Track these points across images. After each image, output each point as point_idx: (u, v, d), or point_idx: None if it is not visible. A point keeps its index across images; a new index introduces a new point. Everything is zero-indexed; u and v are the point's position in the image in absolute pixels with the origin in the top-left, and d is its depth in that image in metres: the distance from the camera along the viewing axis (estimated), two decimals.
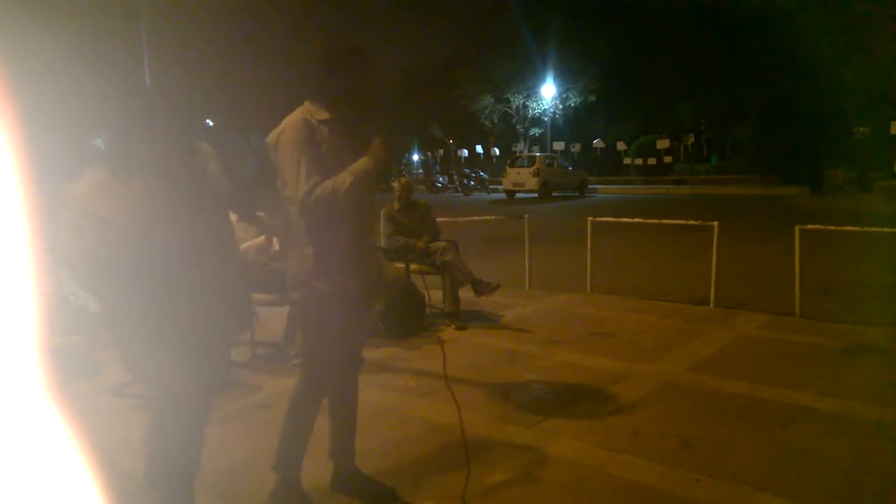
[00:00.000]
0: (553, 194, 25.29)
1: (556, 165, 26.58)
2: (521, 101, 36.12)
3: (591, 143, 33.95)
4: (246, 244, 4.69)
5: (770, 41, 24.86)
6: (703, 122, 33.38)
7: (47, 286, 4.41)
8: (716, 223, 6.21)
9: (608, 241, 9.29)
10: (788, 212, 15.16)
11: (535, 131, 37.07)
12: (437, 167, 37.69)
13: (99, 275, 2.13)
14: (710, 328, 5.33)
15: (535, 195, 24.68)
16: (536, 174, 24.70)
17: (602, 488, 2.80)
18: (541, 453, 3.13)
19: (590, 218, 7.00)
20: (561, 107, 35.62)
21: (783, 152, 25.54)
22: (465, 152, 37.17)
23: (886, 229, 5.81)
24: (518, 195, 25.30)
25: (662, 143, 30.25)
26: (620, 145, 33.04)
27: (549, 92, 35.00)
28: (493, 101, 36.56)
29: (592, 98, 34.88)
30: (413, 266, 5.72)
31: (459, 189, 29.49)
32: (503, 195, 26.05)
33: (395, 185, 6.02)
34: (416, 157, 45.81)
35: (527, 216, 7.39)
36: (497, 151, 37.34)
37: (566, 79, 34.65)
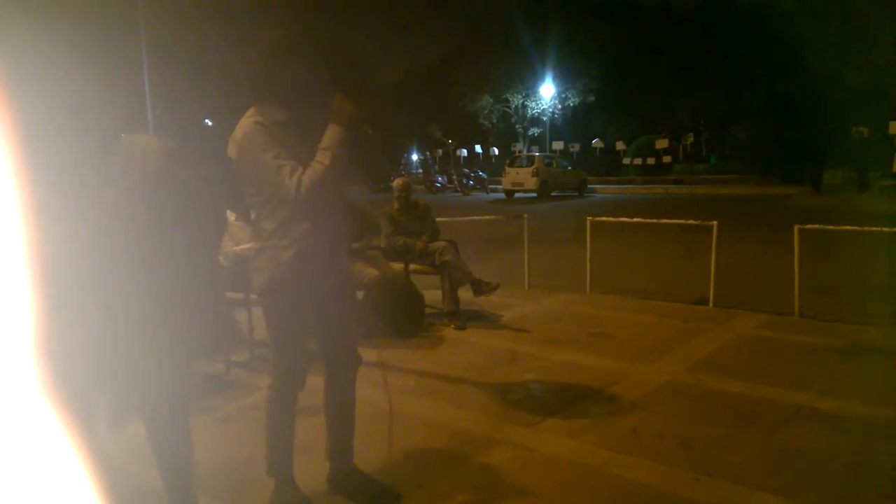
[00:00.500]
0: (552, 194, 25.29)
1: (555, 165, 26.58)
2: (521, 101, 36.13)
3: (590, 142, 33.98)
4: (244, 246, 4.68)
5: (769, 41, 24.86)
6: (702, 122, 33.40)
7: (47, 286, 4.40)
8: (715, 223, 6.21)
9: (607, 241, 9.28)
10: (788, 212, 15.17)
11: (535, 131, 37.10)
12: (436, 167, 37.68)
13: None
14: (710, 328, 5.33)
15: (535, 195, 24.69)
16: (535, 174, 24.71)
17: (601, 488, 2.80)
18: (540, 453, 3.13)
19: (589, 218, 7.00)
20: (560, 107, 35.65)
21: (782, 152, 25.55)
22: (464, 152, 37.18)
23: (886, 229, 5.81)
24: (517, 195, 25.31)
25: (661, 143, 30.28)
26: (619, 145, 33.07)
27: (548, 92, 35.04)
28: (492, 100, 36.56)
29: (591, 98, 34.92)
30: (412, 266, 5.72)
31: (458, 189, 29.50)
32: (502, 195, 26.06)
33: (394, 185, 6.03)
34: (414, 157, 45.79)
35: (526, 216, 7.39)
36: (496, 151, 37.34)
37: (565, 79, 34.68)
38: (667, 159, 30.70)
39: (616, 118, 35.19)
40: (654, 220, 7.70)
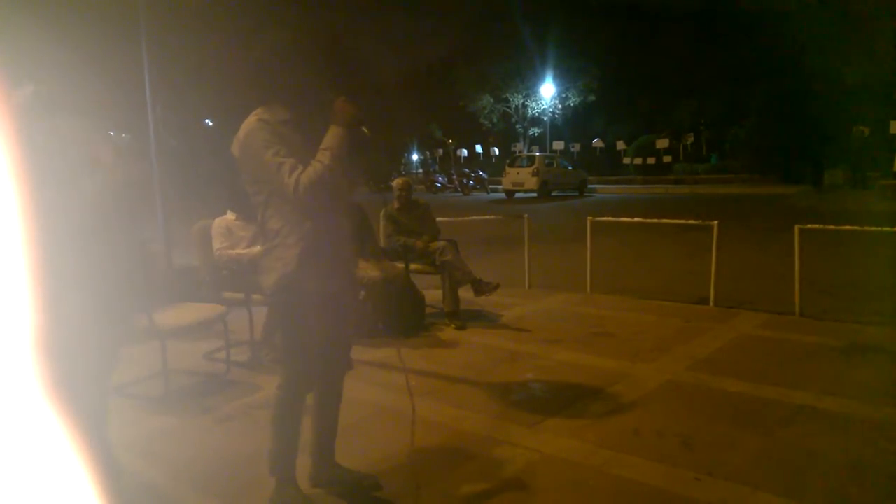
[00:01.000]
0: (552, 194, 25.28)
1: (555, 165, 26.56)
2: (521, 101, 36.14)
3: (591, 142, 33.97)
4: (239, 250, 4.67)
5: (770, 40, 24.87)
6: (702, 122, 33.37)
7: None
8: (715, 222, 6.21)
9: (608, 240, 9.29)
10: (788, 211, 15.16)
11: (535, 131, 37.10)
12: (437, 167, 37.71)
13: None
14: (710, 327, 5.33)
15: (535, 195, 24.68)
16: (536, 174, 24.69)
17: (602, 488, 2.80)
18: (540, 453, 3.12)
19: (589, 217, 6.99)
20: (560, 106, 35.67)
21: (783, 151, 25.55)
22: (465, 152, 37.18)
23: (887, 228, 5.81)
24: (517, 195, 25.30)
25: (662, 143, 30.28)
26: (620, 145, 33.07)
27: (548, 91, 35.04)
28: (492, 100, 36.57)
29: (592, 97, 34.94)
30: (413, 266, 5.72)
31: (459, 189, 29.49)
32: (503, 195, 26.05)
33: (395, 184, 6.03)
34: (415, 157, 45.81)
35: (526, 216, 7.39)
36: (496, 151, 37.35)
37: (565, 78, 34.69)
38: (667, 159, 30.69)
39: (616, 118, 35.22)
40: (655, 220, 7.69)
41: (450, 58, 34.22)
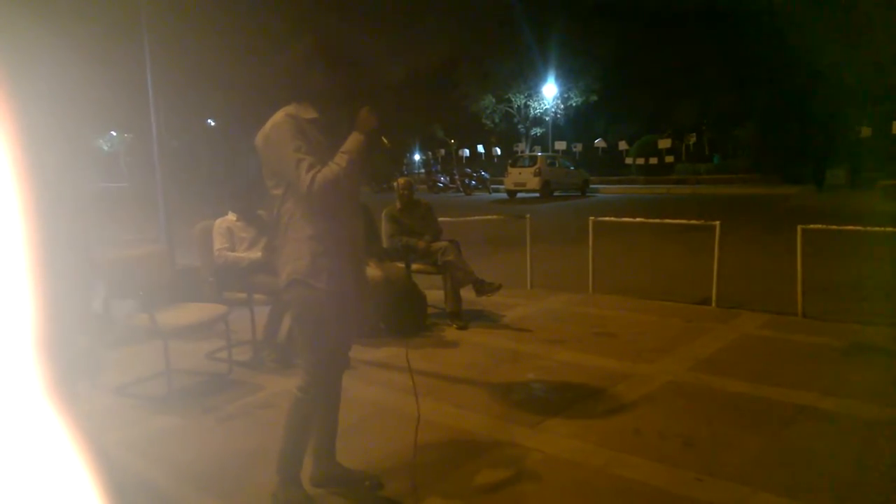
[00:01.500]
0: (554, 194, 25.28)
1: (557, 165, 26.55)
2: (523, 101, 36.11)
3: (593, 142, 33.95)
4: (238, 253, 4.67)
5: (772, 41, 24.84)
6: (704, 122, 33.35)
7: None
8: (718, 223, 6.20)
9: (610, 240, 9.28)
10: (790, 211, 15.15)
11: (537, 131, 37.06)
12: (439, 167, 37.69)
13: None
14: (712, 328, 5.33)
15: (537, 195, 24.67)
16: (538, 174, 24.67)
17: (603, 488, 2.80)
18: (542, 453, 3.13)
19: (591, 218, 6.99)
20: (562, 106, 35.62)
21: (785, 152, 25.54)
22: (467, 152, 37.18)
23: (889, 229, 5.80)
24: (519, 195, 25.29)
25: (664, 143, 30.26)
26: (622, 145, 33.03)
27: (550, 91, 35.00)
28: (494, 100, 36.54)
29: (594, 98, 34.87)
30: (415, 266, 5.72)
31: (461, 189, 29.48)
32: (505, 195, 26.03)
33: (397, 184, 6.03)
34: (417, 157, 45.82)
35: (528, 216, 7.39)
36: (498, 151, 37.34)
37: (568, 78, 34.64)
38: (669, 159, 30.67)
39: (619, 118, 35.17)
40: (657, 220, 7.69)
41: (452, 58, 34.24)
